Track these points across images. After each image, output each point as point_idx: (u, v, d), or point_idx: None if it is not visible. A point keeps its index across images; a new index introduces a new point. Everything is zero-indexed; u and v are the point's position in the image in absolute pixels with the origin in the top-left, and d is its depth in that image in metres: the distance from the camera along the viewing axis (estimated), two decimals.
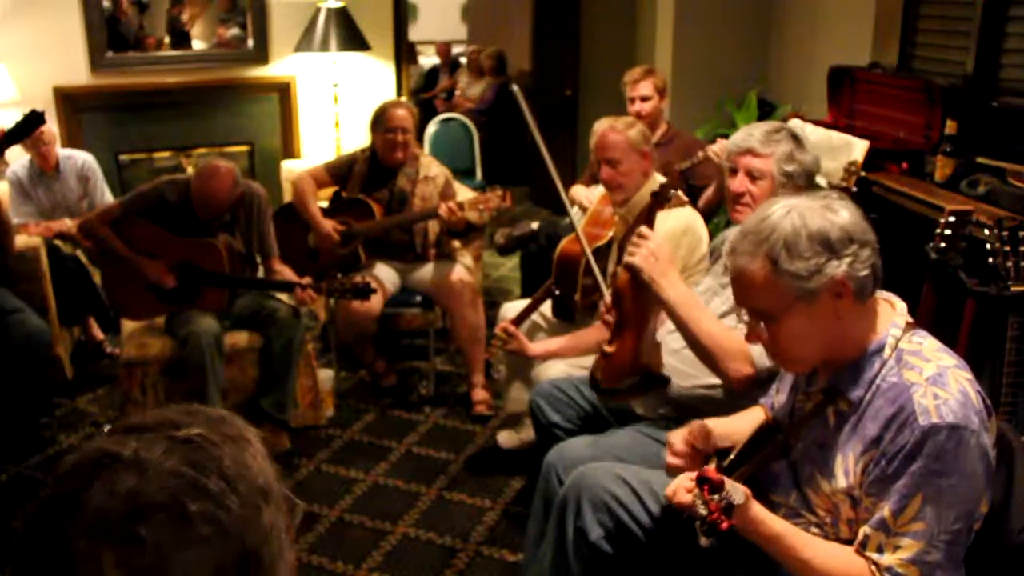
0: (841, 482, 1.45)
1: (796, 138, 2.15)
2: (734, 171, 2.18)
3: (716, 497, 1.36)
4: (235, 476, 0.69)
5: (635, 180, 2.70)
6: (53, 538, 0.64)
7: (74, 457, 0.69)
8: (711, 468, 1.45)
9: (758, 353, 1.93)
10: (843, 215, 1.42)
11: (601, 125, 2.75)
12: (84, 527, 0.64)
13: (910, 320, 1.50)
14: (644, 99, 3.63)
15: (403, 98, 4.99)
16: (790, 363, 1.54)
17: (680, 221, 2.60)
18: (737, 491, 1.38)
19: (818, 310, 1.42)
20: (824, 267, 1.39)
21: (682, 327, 1.97)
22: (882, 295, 1.52)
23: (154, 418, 0.73)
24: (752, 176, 2.14)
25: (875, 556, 1.39)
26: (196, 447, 0.69)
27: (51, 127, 3.94)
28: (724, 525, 1.35)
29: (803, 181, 2.13)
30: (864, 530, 1.41)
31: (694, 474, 1.46)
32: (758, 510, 1.44)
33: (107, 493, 0.65)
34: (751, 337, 1.52)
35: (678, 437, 1.71)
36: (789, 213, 1.43)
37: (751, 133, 2.16)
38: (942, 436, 1.32)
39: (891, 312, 1.50)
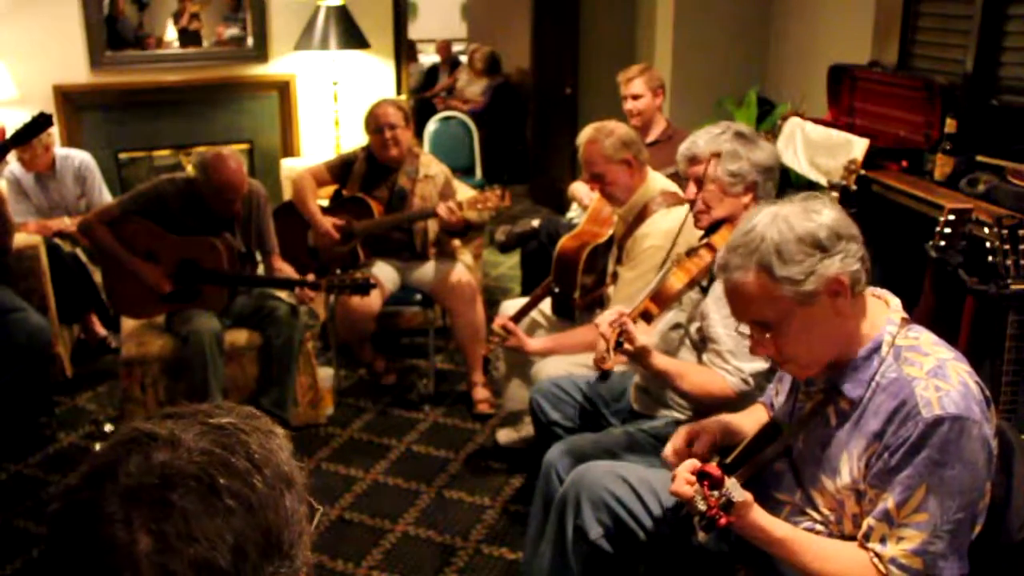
0: (846, 478, 1.46)
1: (742, 136, 2.12)
2: (687, 180, 2.19)
3: (716, 493, 1.37)
4: (262, 460, 0.74)
5: (623, 188, 2.68)
6: (89, 502, 0.69)
7: (114, 437, 0.75)
8: (712, 464, 1.46)
9: (735, 382, 2.03)
10: (826, 214, 1.44)
11: (581, 137, 2.71)
12: (119, 491, 0.69)
13: (905, 316, 1.50)
14: (636, 97, 3.62)
15: (402, 96, 4.99)
16: (799, 369, 1.53)
17: (678, 220, 2.60)
18: (737, 489, 1.38)
19: (818, 312, 1.42)
20: (817, 267, 1.40)
21: (673, 386, 2.10)
22: (876, 292, 1.53)
23: (189, 408, 0.78)
24: (700, 183, 2.13)
25: (879, 548, 1.39)
26: (227, 432, 0.75)
27: (48, 131, 3.93)
28: (722, 521, 1.36)
29: (759, 177, 2.10)
30: (868, 521, 1.42)
31: (696, 464, 1.47)
32: (761, 516, 1.44)
33: (142, 463, 0.70)
34: (756, 350, 1.52)
35: (670, 447, 1.73)
36: (774, 220, 1.44)
37: (694, 141, 2.15)
38: (945, 427, 1.33)
39: (885, 309, 1.50)
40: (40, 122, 2.78)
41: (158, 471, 0.69)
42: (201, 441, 0.72)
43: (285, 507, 0.73)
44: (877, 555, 1.39)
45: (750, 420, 1.78)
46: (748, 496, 1.41)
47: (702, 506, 1.37)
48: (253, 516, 0.70)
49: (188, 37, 4.68)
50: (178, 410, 0.78)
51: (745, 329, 1.53)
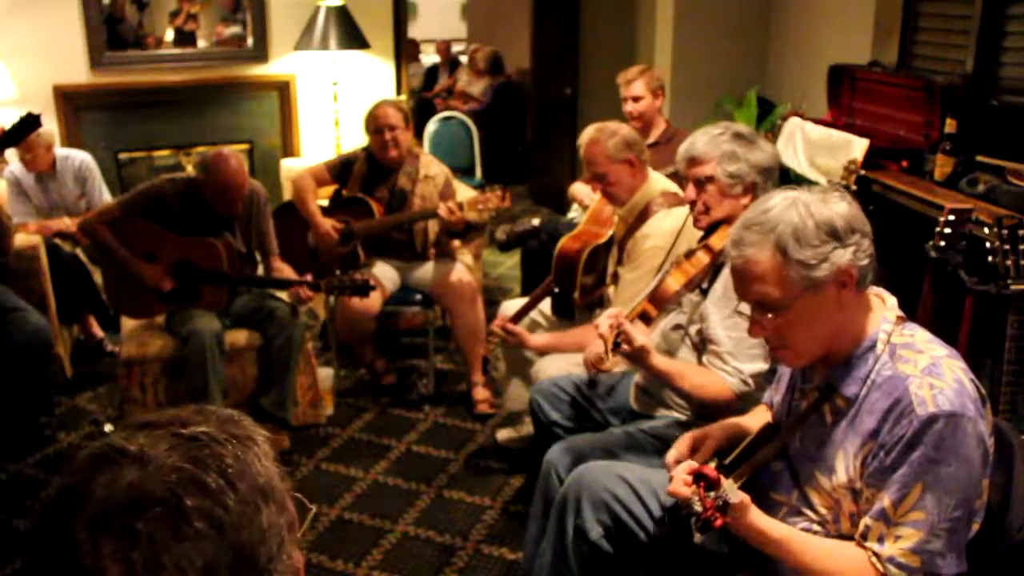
0: (842, 477, 1.46)
1: (741, 136, 2.11)
2: (687, 180, 2.19)
3: (712, 495, 1.37)
4: (235, 474, 0.71)
5: (625, 188, 2.67)
6: (58, 528, 0.68)
7: (86, 451, 0.73)
8: (709, 466, 1.46)
9: (735, 383, 2.02)
10: (842, 206, 1.45)
11: (584, 138, 2.71)
12: (86, 518, 0.67)
13: (900, 314, 1.51)
14: (636, 99, 3.62)
15: (402, 96, 4.99)
16: (794, 356, 1.53)
17: (679, 220, 2.60)
18: (733, 490, 1.38)
19: (822, 300, 1.43)
20: (831, 255, 1.41)
21: (673, 386, 2.11)
22: (872, 290, 1.53)
23: (165, 416, 0.75)
24: (700, 183, 2.13)
25: (876, 547, 1.39)
26: (200, 444, 0.72)
27: (50, 131, 3.93)
28: (718, 523, 1.36)
29: (759, 178, 2.10)
30: (865, 521, 1.42)
31: (694, 466, 1.47)
32: (759, 518, 1.44)
33: (109, 486, 0.68)
34: (753, 331, 1.52)
35: (673, 454, 1.73)
36: (793, 203, 1.45)
37: (693, 142, 2.15)
38: (940, 424, 1.34)
39: (881, 307, 1.51)
40: (29, 122, 2.75)
41: (125, 494, 0.67)
42: (171, 457, 0.70)
43: (260, 522, 0.71)
44: (875, 554, 1.39)
45: (754, 422, 1.78)
46: (745, 497, 1.41)
47: (698, 507, 1.37)
48: (224, 537, 0.68)
49: (183, 37, 4.68)
50: (153, 418, 0.75)
51: (745, 308, 1.53)
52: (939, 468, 1.34)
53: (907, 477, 1.35)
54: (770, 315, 1.46)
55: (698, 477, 1.40)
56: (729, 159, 2.09)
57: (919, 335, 1.47)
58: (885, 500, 1.38)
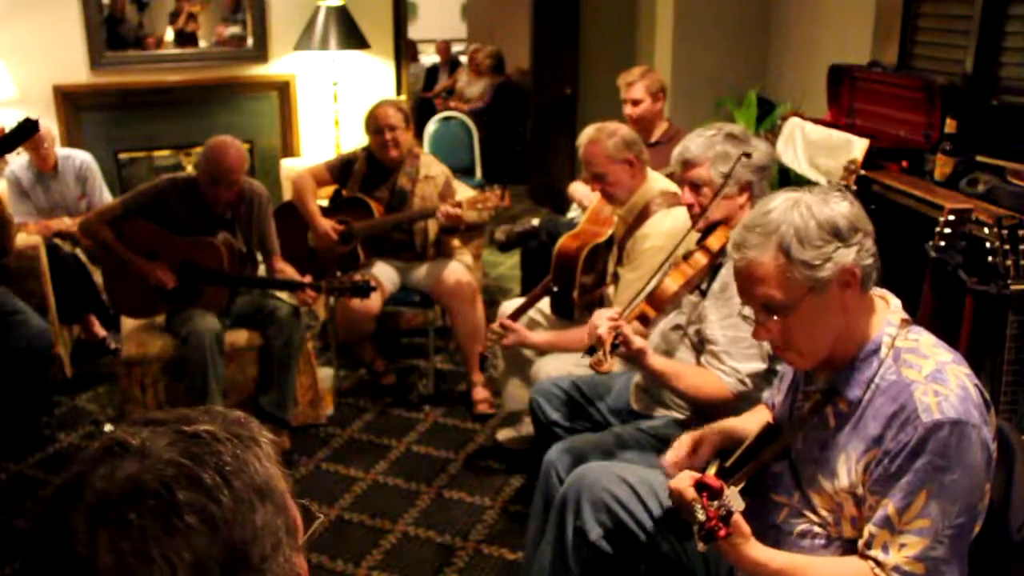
0: (843, 481, 1.45)
1: (734, 137, 2.12)
2: (682, 184, 2.19)
3: (715, 504, 1.36)
4: (232, 472, 0.71)
5: (625, 188, 2.68)
6: (57, 517, 0.69)
7: (94, 444, 0.74)
8: (711, 475, 1.45)
9: (732, 383, 2.03)
10: (844, 206, 1.44)
11: (583, 137, 2.71)
12: (84, 508, 0.68)
13: (905, 317, 1.50)
14: (635, 103, 3.61)
15: (402, 96, 4.99)
16: (799, 358, 1.51)
17: (679, 221, 2.60)
18: (736, 499, 1.37)
19: (827, 301, 1.42)
20: (834, 255, 1.40)
21: (670, 386, 2.11)
22: (876, 291, 1.53)
23: (172, 414, 0.77)
24: (695, 186, 2.14)
25: (881, 556, 1.38)
26: (200, 441, 0.72)
27: (50, 129, 3.94)
28: (721, 533, 1.35)
29: (754, 177, 2.10)
30: (869, 528, 1.41)
31: (696, 475, 1.46)
32: (757, 550, 1.43)
33: (108, 477, 0.69)
34: (758, 334, 1.51)
35: (671, 457, 1.73)
36: (795, 204, 1.44)
37: (686, 145, 2.16)
38: (945, 432, 1.33)
39: (885, 309, 1.50)
40: (27, 127, 2.75)
41: (121, 486, 0.68)
42: (171, 452, 0.70)
43: (254, 521, 0.71)
44: (879, 563, 1.38)
45: (752, 422, 1.77)
46: (744, 528, 1.40)
47: (701, 516, 1.36)
48: (216, 533, 0.68)
49: (184, 38, 4.68)
50: (160, 415, 0.76)
51: (749, 312, 1.52)
52: (944, 476, 1.33)
53: (912, 484, 1.35)
54: (775, 317, 1.45)
55: (700, 487, 1.39)
56: (723, 160, 2.10)
57: (924, 339, 1.46)
58: (889, 507, 1.37)
